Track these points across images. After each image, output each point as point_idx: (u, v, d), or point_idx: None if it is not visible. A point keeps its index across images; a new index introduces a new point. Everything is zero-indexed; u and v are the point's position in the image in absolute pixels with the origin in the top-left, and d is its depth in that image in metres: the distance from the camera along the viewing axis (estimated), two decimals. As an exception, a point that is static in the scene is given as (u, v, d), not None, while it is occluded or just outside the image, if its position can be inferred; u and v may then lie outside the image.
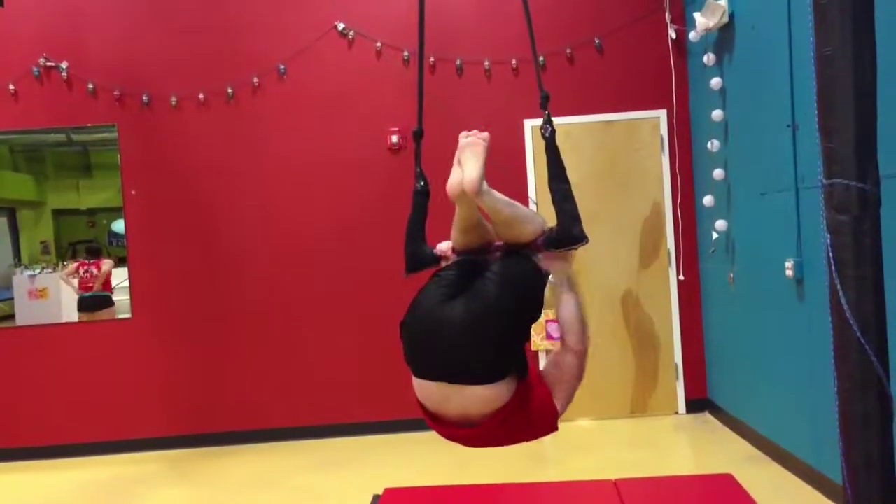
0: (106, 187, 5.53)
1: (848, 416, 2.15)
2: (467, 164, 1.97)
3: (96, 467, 5.14)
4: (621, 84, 5.40)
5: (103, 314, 5.53)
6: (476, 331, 1.92)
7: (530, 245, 2.14)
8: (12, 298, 5.48)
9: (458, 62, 5.39)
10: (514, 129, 5.38)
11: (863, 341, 2.08)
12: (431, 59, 5.33)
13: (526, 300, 2.07)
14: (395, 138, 5.35)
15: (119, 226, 5.48)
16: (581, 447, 4.92)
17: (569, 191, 2.10)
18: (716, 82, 4.78)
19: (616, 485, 3.25)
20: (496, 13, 5.36)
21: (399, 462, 4.82)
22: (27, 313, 5.47)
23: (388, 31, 5.35)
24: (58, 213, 5.60)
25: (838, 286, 2.12)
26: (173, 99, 5.39)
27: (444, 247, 2.28)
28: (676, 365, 5.45)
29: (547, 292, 2.14)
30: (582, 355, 2.13)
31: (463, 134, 2.04)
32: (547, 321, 5.05)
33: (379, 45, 5.38)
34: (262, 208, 5.42)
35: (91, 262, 5.55)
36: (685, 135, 5.42)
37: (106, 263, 5.54)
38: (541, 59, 5.14)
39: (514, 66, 5.36)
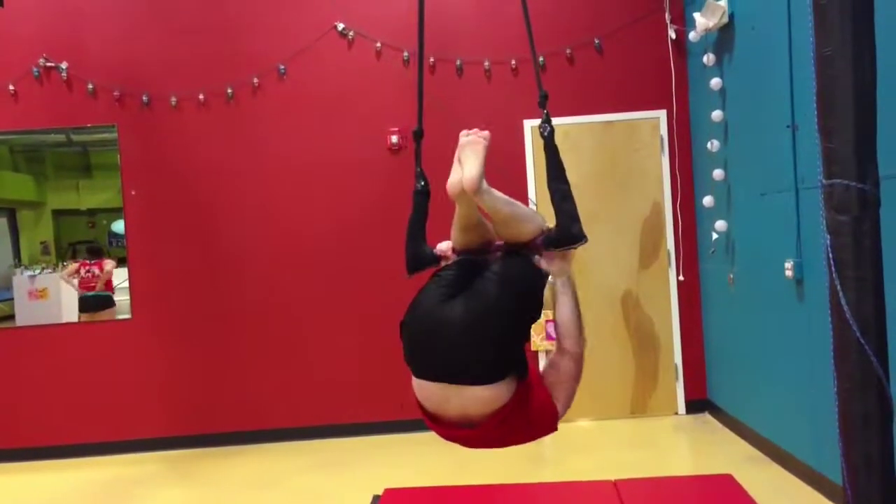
0: (106, 188, 5.53)
1: (848, 416, 2.14)
2: (467, 162, 1.97)
3: (96, 468, 5.14)
4: (621, 84, 5.40)
5: (105, 314, 5.53)
6: (476, 331, 1.92)
7: (530, 244, 2.14)
8: (12, 299, 5.48)
9: (457, 62, 5.39)
10: (513, 129, 5.38)
11: (863, 342, 2.08)
12: (431, 60, 5.33)
13: (526, 300, 2.07)
14: (395, 138, 5.35)
15: (119, 226, 5.48)
16: (581, 448, 4.92)
17: (568, 190, 2.09)
18: (716, 83, 4.78)
19: (616, 485, 3.25)
20: (496, 14, 5.36)
21: (399, 462, 4.82)
22: (27, 314, 5.47)
23: (388, 31, 5.35)
24: (58, 214, 5.60)
25: (838, 287, 2.11)
26: (173, 99, 5.39)
27: (444, 247, 2.28)
28: (676, 365, 5.45)
29: (547, 292, 2.14)
30: (579, 358, 2.13)
31: (463, 133, 2.04)
32: (547, 321, 5.04)
33: (379, 45, 5.38)
34: (262, 208, 5.42)
35: (93, 262, 5.55)
36: (685, 135, 5.42)
37: (108, 263, 5.54)
38: (540, 59, 5.14)
39: (514, 67, 5.37)
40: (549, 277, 2.16)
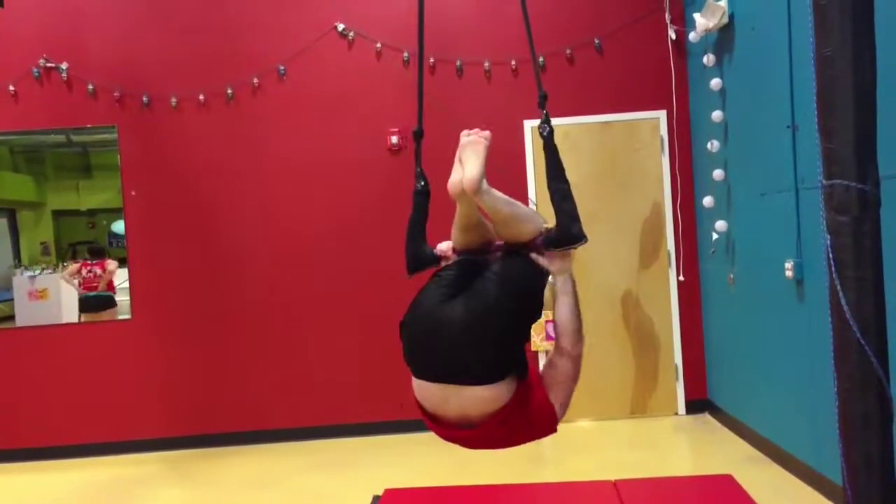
0: (106, 188, 5.53)
1: (848, 416, 2.14)
2: (468, 162, 1.97)
3: (96, 468, 5.14)
4: (621, 85, 5.40)
5: (106, 314, 5.53)
6: (476, 331, 1.92)
7: (530, 244, 2.14)
8: (12, 299, 5.48)
9: (457, 63, 5.39)
10: (513, 129, 5.38)
11: (863, 342, 2.08)
12: (431, 60, 5.33)
13: (526, 300, 2.07)
14: (395, 139, 5.35)
15: (119, 226, 5.48)
16: (581, 448, 4.92)
17: (568, 190, 2.09)
18: (715, 83, 4.78)
19: (616, 485, 3.25)
20: (496, 14, 5.36)
21: (399, 462, 4.82)
22: (27, 314, 5.47)
23: (388, 31, 5.35)
24: (58, 214, 5.61)
25: (838, 287, 2.11)
26: (173, 99, 5.39)
27: (444, 247, 2.28)
28: (676, 365, 5.45)
29: (547, 292, 2.14)
30: (577, 358, 2.12)
31: (464, 132, 2.04)
32: (547, 321, 5.04)
33: (379, 45, 5.39)
34: (262, 208, 5.42)
35: (94, 262, 5.55)
36: (685, 135, 5.42)
37: (110, 264, 5.54)
38: (540, 59, 5.14)
39: (514, 67, 5.37)
40: (550, 277, 2.16)
